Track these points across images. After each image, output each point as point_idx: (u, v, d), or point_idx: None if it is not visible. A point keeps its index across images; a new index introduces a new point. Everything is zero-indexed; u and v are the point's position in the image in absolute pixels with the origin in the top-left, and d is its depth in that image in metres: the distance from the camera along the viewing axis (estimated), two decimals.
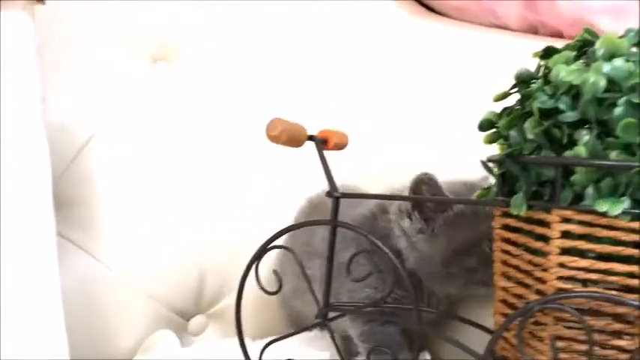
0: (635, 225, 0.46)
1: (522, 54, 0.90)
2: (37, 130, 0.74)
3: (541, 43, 0.89)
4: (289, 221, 0.81)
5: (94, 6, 0.93)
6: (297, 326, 0.75)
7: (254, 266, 0.64)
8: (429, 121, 0.94)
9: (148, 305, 0.87)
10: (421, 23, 1.01)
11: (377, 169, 0.89)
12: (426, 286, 0.69)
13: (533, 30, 0.93)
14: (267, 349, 0.65)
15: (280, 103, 0.98)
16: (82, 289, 0.83)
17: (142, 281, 0.87)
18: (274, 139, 0.58)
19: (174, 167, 0.92)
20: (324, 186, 0.82)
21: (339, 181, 0.63)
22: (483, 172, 0.62)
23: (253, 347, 0.66)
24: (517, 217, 0.52)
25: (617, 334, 0.48)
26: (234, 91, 0.97)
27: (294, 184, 0.94)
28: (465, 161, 0.81)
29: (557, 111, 0.49)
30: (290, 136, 0.58)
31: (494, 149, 0.57)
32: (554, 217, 0.48)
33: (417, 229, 0.67)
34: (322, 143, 0.63)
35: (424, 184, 0.64)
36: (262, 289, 0.64)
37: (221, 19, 0.98)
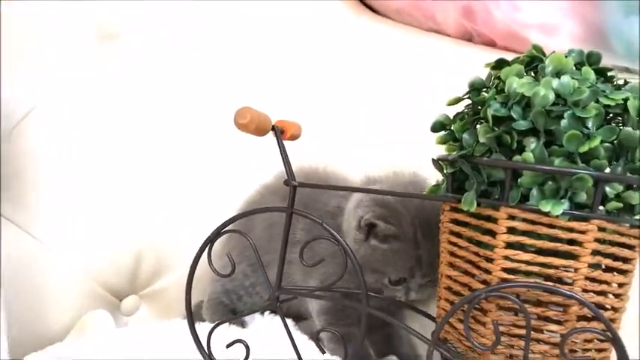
0: (572, 224, 0.52)
1: (458, 59, 0.96)
2: None
3: (476, 51, 0.97)
4: (231, 205, 0.83)
5: None
6: None
7: (207, 249, 0.66)
8: (367, 118, 0.98)
9: (84, 284, 0.86)
10: (367, 23, 1.06)
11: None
12: None
13: (468, 37, 0.99)
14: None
15: (226, 90, 0.99)
16: (18, 267, 0.80)
17: (79, 259, 0.85)
18: (243, 127, 0.58)
19: (115, 145, 0.91)
20: (263, 174, 0.85)
21: None
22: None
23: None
24: (465, 213, 0.57)
25: (551, 320, 0.54)
26: (180, 71, 0.97)
27: (235, 170, 0.96)
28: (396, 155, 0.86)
29: (508, 118, 0.54)
30: (258, 125, 0.59)
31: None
32: (501, 214, 0.54)
33: (357, 239, 0.70)
34: (281, 133, 0.66)
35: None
36: (215, 271, 0.66)
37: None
